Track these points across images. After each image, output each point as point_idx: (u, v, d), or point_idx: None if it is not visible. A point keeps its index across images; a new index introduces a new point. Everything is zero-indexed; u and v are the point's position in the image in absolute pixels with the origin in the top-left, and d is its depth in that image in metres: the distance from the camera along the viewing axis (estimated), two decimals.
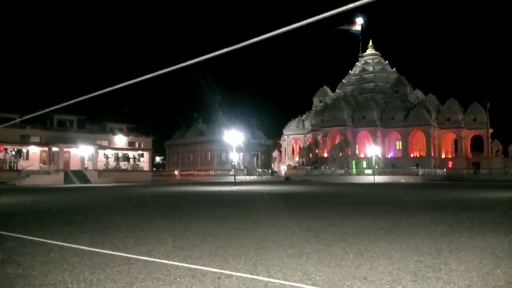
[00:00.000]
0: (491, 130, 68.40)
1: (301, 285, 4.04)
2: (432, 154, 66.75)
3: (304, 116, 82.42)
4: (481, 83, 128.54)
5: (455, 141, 71.77)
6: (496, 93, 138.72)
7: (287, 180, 54.28)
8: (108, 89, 4.53)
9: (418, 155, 68.35)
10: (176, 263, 4.92)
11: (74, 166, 48.65)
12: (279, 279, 4.17)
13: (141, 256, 5.36)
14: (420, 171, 53.32)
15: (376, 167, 54.23)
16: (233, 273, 4.46)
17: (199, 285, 4.02)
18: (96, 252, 5.64)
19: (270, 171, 69.14)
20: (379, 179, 47.63)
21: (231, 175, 48.23)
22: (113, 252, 5.66)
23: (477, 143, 70.75)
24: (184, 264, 4.86)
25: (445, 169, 60.39)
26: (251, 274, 4.38)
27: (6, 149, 45.23)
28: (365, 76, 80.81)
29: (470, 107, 70.88)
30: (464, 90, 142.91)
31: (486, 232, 7.19)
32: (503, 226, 8.00)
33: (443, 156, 71.07)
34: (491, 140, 68.18)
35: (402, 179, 48.21)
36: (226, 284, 4.02)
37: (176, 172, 69.01)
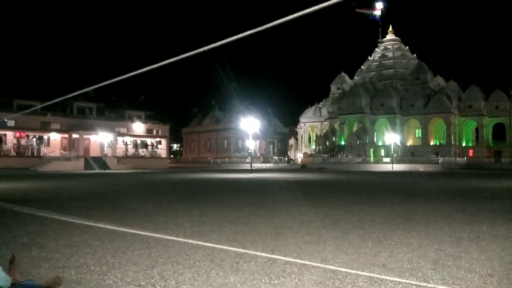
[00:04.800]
0: None
1: (321, 264, 4.05)
2: (453, 142, 65.48)
3: (321, 103, 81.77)
4: (505, 70, 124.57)
5: (477, 129, 70.17)
6: None
7: (303, 168, 54.18)
8: (125, 76, 4.55)
9: (438, 143, 67.14)
10: (195, 248, 4.98)
11: (93, 152, 49.60)
12: (297, 264, 4.18)
13: (161, 240, 5.44)
14: (440, 160, 52.45)
15: (395, 155, 53.57)
16: (251, 258, 4.49)
17: (218, 269, 4.07)
18: (116, 236, 5.76)
19: (286, 158, 69.11)
20: (397, 167, 47.06)
21: (248, 163, 48.40)
22: (133, 236, 5.77)
23: (499, 131, 69.04)
24: (204, 246, 4.92)
25: (465, 158, 59.29)
26: (269, 260, 4.40)
27: (28, 136, 46.35)
28: (384, 62, 79.35)
29: (492, 95, 69.07)
30: (486, 77, 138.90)
31: (508, 222, 7.04)
32: None
33: (463, 144, 69.69)
34: None
35: (421, 167, 47.53)
36: (244, 269, 4.05)
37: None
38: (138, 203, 10.42)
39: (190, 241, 5.42)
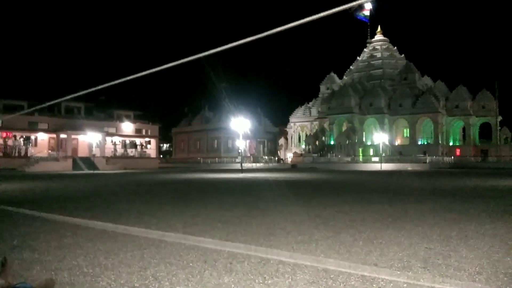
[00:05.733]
0: (500, 118, 67.67)
1: (314, 263, 4.10)
2: (440, 142, 66.34)
3: (311, 103, 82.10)
4: (491, 70, 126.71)
5: (464, 129, 71.15)
6: (506, 80, 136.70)
7: (293, 167, 54.37)
8: (116, 82, 4.53)
9: (425, 143, 67.95)
10: (188, 249, 4.99)
11: (82, 153, 49.10)
12: (290, 264, 4.22)
13: (153, 242, 5.44)
14: (428, 159, 53.11)
15: (383, 154, 54.08)
16: (244, 258, 4.51)
17: (212, 269, 4.09)
18: (108, 238, 5.74)
19: (276, 158, 69.28)
20: (386, 166, 47.52)
21: (238, 162, 48.39)
22: (125, 238, 5.75)
23: (485, 131, 70.15)
24: (197, 247, 4.93)
25: (452, 157, 60.09)
26: (262, 260, 4.43)
27: (15, 136, 45.68)
28: (373, 62, 80.00)
29: (479, 94, 70.11)
30: (473, 77, 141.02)
31: (495, 220, 7.19)
32: None
33: (451, 143, 70.63)
34: (499, 127, 67.54)
35: (409, 166, 48.06)
36: (238, 269, 4.08)
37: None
38: (129, 204, 10.37)
39: (183, 241, 5.42)
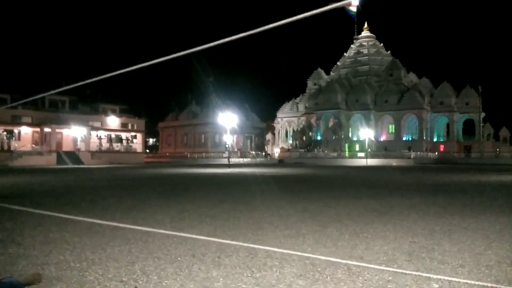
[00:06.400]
0: (483, 114, 68.92)
1: (300, 257, 4.15)
2: (424, 138, 67.31)
3: (298, 98, 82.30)
4: (475, 67, 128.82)
5: (448, 125, 72.24)
6: (489, 77, 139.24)
7: (280, 162, 54.58)
8: (102, 77, 4.48)
9: (410, 139, 68.87)
10: (176, 243, 4.99)
11: (66, 147, 48.40)
12: (277, 257, 4.27)
13: (140, 236, 5.42)
14: (412, 154, 53.89)
15: (369, 150, 54.65)
16: (233, 252, 4.54)
17: (200, 263, 4.10)
18: (95, 233, 5.70)
19: (263, 153, 69.38)
20: (371, 162, 48.07)
21: (225, 157, 48.33)
22: (112, 232, 5.72)
23: (469, 127, 71.38)
24: (185, 241, 4.94)
25: (436, 153, 61.09)
26: (250, 254, 4.47)
27: None
28: (359, 58, 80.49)
29: (463, 91, 71.16)
30: (458, 73, 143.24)
31: (478, 215, 7.36)
32: (494, 209, 8.18)
33: (435, 139, 71.70)
34: (483, 124, 68.78)
35: (394, 162, 48.71)
36: (226, 263, 4.11)
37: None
38: (115, 198, 10.30)
39: (171, 233, 5.42)
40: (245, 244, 4.94)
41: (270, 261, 4.18)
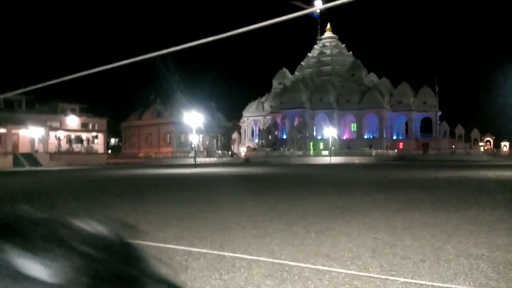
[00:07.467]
0: (439, 113, 72.07)
1: (267, 259, 4.17)
2: (384, 136, 69.56)
3: (263, 98, 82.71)
4: (432, 67, 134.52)
5: (406, 123, 74.97)
6: (445, 77, 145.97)
7: (247, 162, 54.66)
8: (63, 79, 4.28)
9: (371, 137, 70.96)
10: (141, 247, 4.87)
11: (23, 148, 46.16)
12: (246, 259, 4.27)
13: None
14: (373, 152, 55.56)
15: (333, 148, 55.83)
16: (200, 255, 4.50)
17: (166, 268, 4.02)
18: None
19: (230, 153, 69.20)
20: (335, 160, 49.12)
21: (191, 157, 47.84)
22: None
23: (426, 125, 74.44)
24: (150, 245, 4.83)
25: (396, 150, 63.26)
26: (218, 256, 4.44)
27: None
28: (323, 59, 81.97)
29: (421, 91, 74.03)
30: (416, 73, 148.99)
31: (436, 210, 7.69)
32: (452, 204, 8.58)
33: (394, 137, 74.22)
34: (439, 122, 71.94)
35: (356, 159, 50.04)
36: (194, 266, 4.06)
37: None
38: (76, 202, 9.94)
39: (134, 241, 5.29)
40: (213, 246, 4.91)
41: (238, 263, 4.17)
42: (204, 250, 4.69)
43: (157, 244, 5.02)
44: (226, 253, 4.54)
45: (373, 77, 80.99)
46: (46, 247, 0.56)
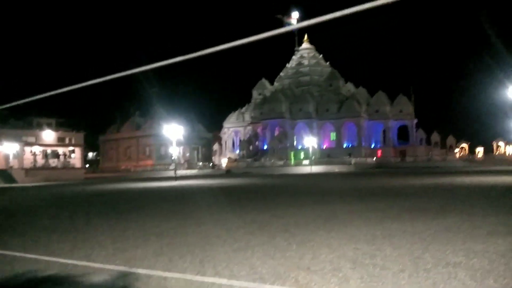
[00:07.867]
0: (416, 120, 73.65)
1: (247, 283, 4.10)
2: (363, 144, 70.57)
3: (244, 108, 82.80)
4: (407, 76, 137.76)
5: (384, 131, 76.26)
6: (420, 86, 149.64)
7: (228, 173, 54.39)
8: (41, 96, 4.20)
9: (350, 145, 71.84)
10: (118, 267, 4.75)
11: None
12: (225, 278, 4.19)
13: (80, 261, 5.10)
14: (352, 160, 56.16)
15: (313, 157, 56.19)
16: (179, 273, 4.40)
17: (145, 287, 3.93)
18: (29, 259, 5.28)
19: (211, 164, 68.75)
20: (315, 169, 49.40)
21: (171, 170, 47.29)
22: (48, 258, 5.33)
23: (403, 133, 75.87)
24: (127, 268, 4.71)
25: (374, 158, 64.14)
26: (198, 273, 4.36)
27: None
28: (301, 69, 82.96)
29: (397, 99, 75.50)
30: (391, 82, 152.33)
31: (414, 218, 7.79)
32: (429, 211, 8.71)
33: (373, 145, 75.31)
34: (416, 129, 73.48)
35: (336, 168, 50.45)
36: (172, 285, 3.98)
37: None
38: (52, 220, 9.65)
39: (112, 263, 5.15)
40: (193, 263, 4.82)
41: (218, 280, 4.10)
42: (183, 272, 4.59)
43: (136, 257, 4.90)
44: (207, 268, 4.46)
45: (350, 86, 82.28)
46: None
